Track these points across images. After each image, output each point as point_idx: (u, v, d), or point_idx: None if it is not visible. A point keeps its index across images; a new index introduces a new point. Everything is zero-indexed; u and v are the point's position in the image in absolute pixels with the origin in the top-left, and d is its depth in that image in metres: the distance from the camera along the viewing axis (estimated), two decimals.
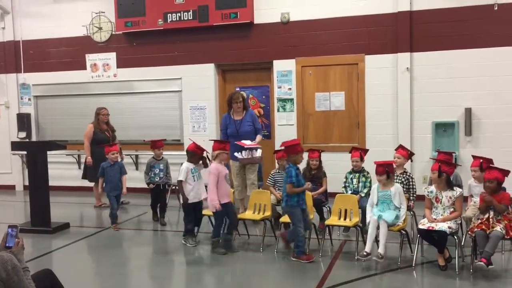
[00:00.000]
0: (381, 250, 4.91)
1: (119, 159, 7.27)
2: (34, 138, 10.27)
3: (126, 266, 5.46)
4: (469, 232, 4.79)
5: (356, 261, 5.17)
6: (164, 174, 7.16)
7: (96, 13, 9.65)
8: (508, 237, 4.61)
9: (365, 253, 4.98)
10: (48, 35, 10.01)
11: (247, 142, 6.53)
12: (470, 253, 4.86)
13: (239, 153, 6.45)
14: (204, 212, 6.08)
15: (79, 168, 10.09)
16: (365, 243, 5.20)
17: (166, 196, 7.64)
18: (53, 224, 6.84)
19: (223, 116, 7.22)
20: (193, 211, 5.92)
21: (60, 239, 6.46)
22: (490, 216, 4.68)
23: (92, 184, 8.53)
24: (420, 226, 4.91)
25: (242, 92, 7.76)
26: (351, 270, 4.97)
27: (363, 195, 5.95)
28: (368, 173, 6.11)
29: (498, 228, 4.58)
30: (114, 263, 5.48)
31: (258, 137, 6.89)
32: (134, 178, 9.67)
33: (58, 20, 9.89)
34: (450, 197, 4.90)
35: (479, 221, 4.73)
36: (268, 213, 5.95)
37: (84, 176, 8.60)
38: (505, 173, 4.81)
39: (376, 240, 5.10)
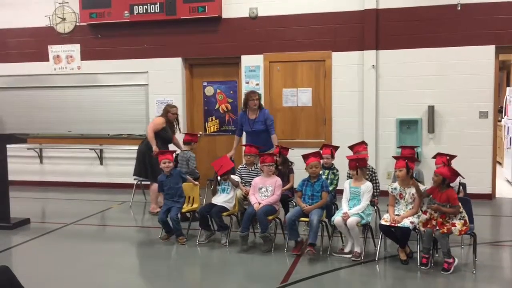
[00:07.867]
0: (357, 249, 5.12)
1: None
2: None
3: (85, 262, 5.31)
4: (422, 228, 4.85)
5: (320, 256, 5.22)
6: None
7: (60, 3, 9.38)
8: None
9: (347, 252, 5.20)
10: (8, 25, 9.65)
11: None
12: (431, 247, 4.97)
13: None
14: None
15: (41, 162, 9.85)
16: (330, 238, 5.40)
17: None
18: (13, 219, 6.64)
19: (240, 113, 7.41)
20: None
21: (20, 235, 6.28)
22: (433, 217, 4.79)
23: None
24: (382, 222, 4.99)
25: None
26: (316, 264, 5.02)
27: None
28: (337, 170, 6.14)
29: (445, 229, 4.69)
30: (74, 259, 5.37)
31: (273, 138, 7.02)
32: (99, 173, 9.55)
33: (19, 10, 9.56)
34: (413, 194, 4.97)
35: (426, 216, 4.84)
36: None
37: (138, 173, 7.50)
38: (455, 173, 4.87)
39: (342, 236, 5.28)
